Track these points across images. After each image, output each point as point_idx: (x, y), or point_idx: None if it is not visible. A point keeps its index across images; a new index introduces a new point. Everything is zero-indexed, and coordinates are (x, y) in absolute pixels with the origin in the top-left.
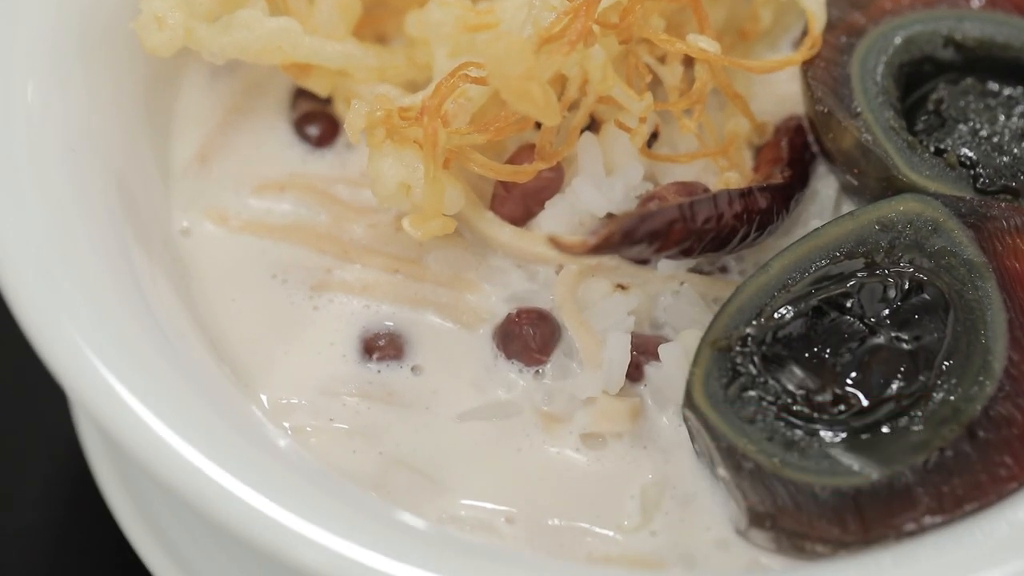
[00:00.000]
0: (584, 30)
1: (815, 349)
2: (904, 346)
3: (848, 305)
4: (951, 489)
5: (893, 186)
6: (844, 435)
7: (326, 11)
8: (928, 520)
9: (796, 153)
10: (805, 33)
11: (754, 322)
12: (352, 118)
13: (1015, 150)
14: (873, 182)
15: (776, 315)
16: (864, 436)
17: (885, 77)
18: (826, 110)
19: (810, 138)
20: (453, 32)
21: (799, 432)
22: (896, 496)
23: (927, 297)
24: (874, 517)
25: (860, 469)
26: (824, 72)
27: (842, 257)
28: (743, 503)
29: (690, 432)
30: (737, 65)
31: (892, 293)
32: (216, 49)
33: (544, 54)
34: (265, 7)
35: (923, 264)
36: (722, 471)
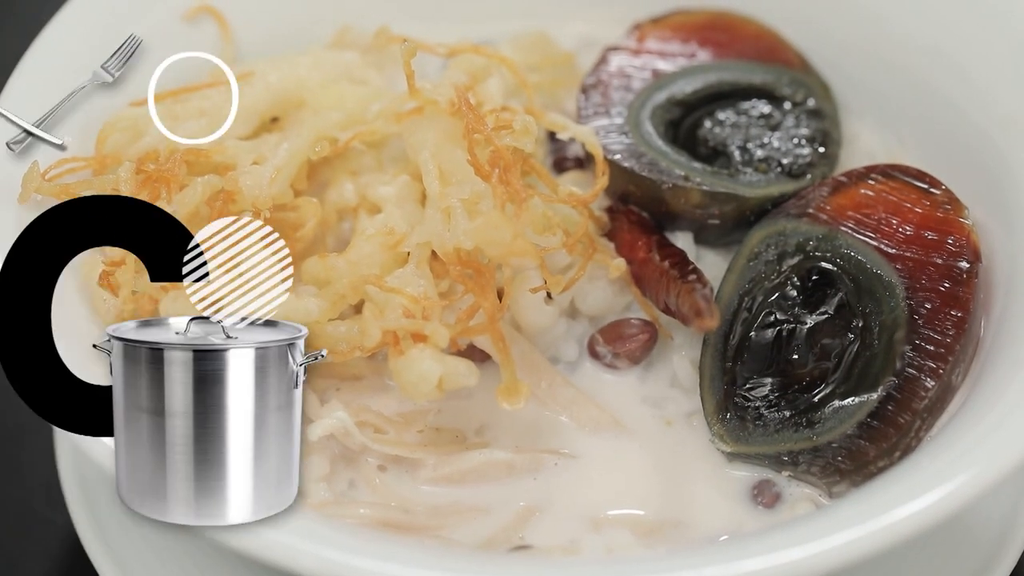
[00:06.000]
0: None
1: (773, 366)
2: (828, 313)
3: (772, 320)
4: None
5: (742, 209)
6: (828, 392)
7: None
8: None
9: (650, 230)
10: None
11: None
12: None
13: (790, 143)
14: (730, 215)
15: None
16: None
17: (666, 138)
18: (670, 184)
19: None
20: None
21: (803, 413)
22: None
23: (817, 276)
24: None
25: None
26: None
27: (744, 296)
28: (822, 481)
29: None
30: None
31: (796, 287)
32: None
33: (515, 217)
34: None
35: (804, 256)
36: (786, 472)
